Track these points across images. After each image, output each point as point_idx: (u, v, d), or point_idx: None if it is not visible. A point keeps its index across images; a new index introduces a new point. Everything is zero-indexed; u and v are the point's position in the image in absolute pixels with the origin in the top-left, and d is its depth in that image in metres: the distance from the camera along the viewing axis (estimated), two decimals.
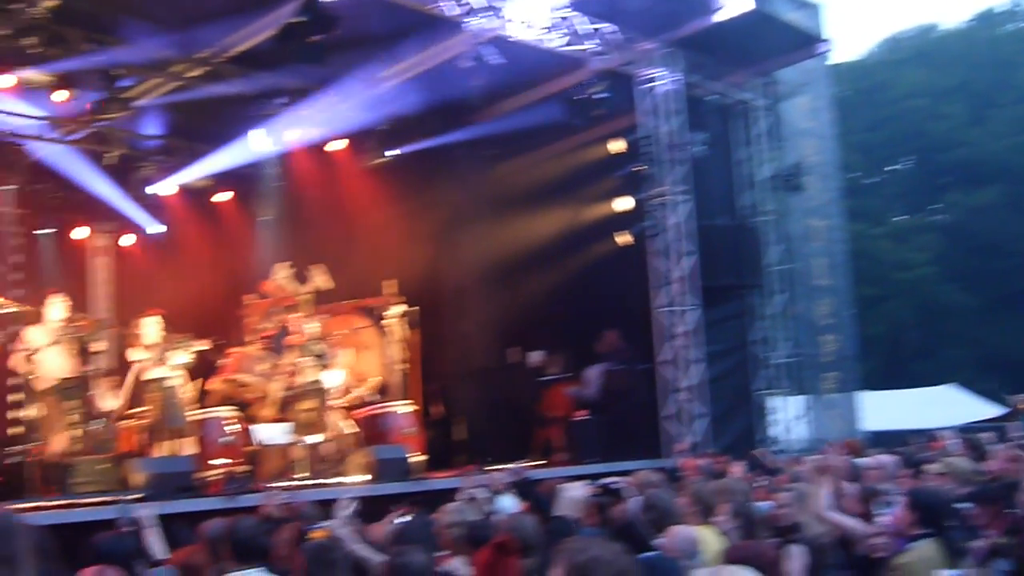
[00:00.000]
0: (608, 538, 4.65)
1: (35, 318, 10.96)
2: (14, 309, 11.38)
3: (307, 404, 12.26)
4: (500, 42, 13.14)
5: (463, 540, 5.90)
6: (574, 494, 6.56)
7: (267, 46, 12.43)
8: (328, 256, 14.49)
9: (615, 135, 15.26)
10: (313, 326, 12.71)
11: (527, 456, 14.39)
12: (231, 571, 5.57)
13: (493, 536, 5.68)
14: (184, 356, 11.80)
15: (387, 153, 14.84)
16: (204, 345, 12.12)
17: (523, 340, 15.69)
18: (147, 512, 6.57)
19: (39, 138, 14.60)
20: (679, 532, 5.55)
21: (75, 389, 11.08)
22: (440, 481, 11.63)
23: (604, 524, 6.71)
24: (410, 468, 11.85)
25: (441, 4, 12.24)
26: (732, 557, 5.21)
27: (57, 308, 11.04)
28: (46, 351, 10.81)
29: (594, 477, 8.71)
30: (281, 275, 13.70)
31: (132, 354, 11.54)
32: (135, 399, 12.29)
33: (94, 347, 11.40)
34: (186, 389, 11.85)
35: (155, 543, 6.34)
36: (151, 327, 11.50)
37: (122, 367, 13.93)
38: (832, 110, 18.77)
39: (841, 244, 18.55)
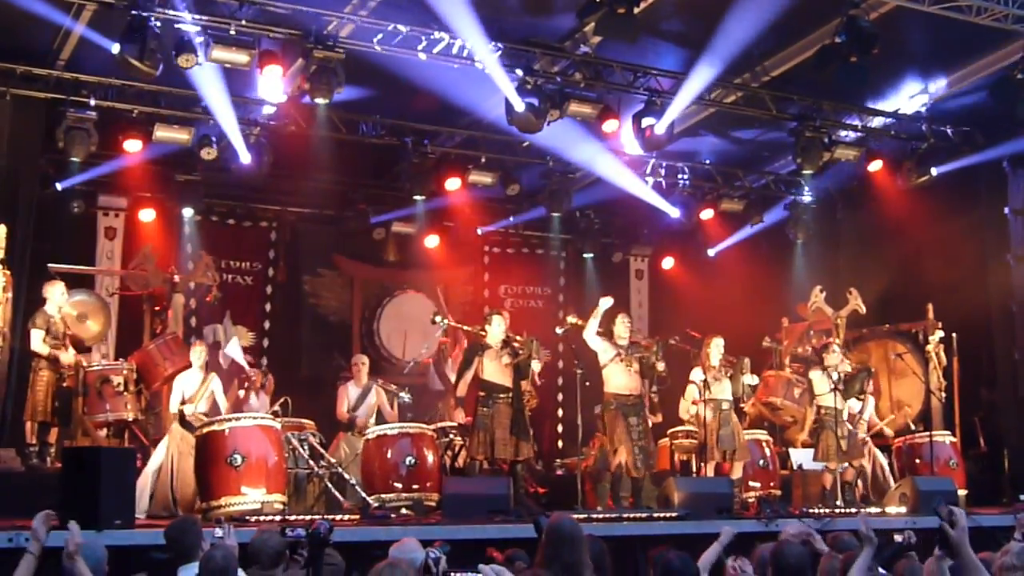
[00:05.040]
0: None
1: (607, 335, 11.50)
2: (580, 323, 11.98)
3: (841, 431, 11.98)
4: None
5: None
6: None
7: (804, 69, 12.49)
8: (865, 279, 14.19)
9: None
10: (834, 351, 12.37)
11: None
12: None
13: None
14: (749, 379, 11.95)
15: (932, 171, 14.21)
16: (755, 379, 12.19)
17: None
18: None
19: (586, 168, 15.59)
20: None
21: (635, 407, 11.49)
22: (987, 518, 10.92)
23: None
24: (957, 502, 11.24)
25: (993, 13, 11.51)
26: None
27: (621, 326, 11.53)
28: (610, 367, 11.35)
29: None
30: (817, 298, 13.61)
31: (693, 374, 11.83)
32: (678, 418, 12.70)
33: (658, 367, 11.70)
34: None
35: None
36: (716, 348, 11.76)
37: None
38: None
39: None
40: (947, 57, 13.11)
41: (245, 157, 13.14)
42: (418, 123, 14.04)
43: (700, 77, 12.38)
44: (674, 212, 15.76)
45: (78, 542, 5.23)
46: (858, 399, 12.50)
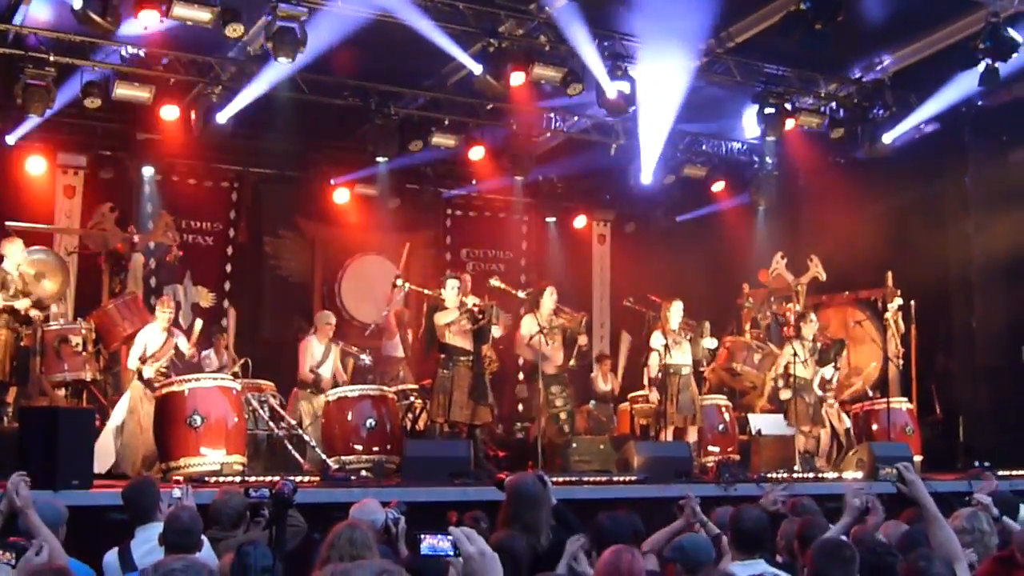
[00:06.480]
0: None
1: (533, 306, 11.62)
2: (520, 294, 12.12)
3: (800, 396, 12.11)
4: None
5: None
6: None
7: (769, 35, 12.49)
8: (825, 246, 14.27)
9: None
10: (812, 321, 12.48)
11: None
12: (734, 559, 5.65)
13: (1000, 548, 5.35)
14: (709, 343, 12.03)
15: (887, 139, 14.31)
16: (714, 342, 12.29)
17: None
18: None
19: (548, 131, 15.55)
20: None
21: (556, 377, 11.64)
22: (942, 484, 11.08)
23: None
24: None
25: None
26: None
27: (549, 300, 11.62)
28: (536, 339, 11.44)
29: None
30: (778, 265, 13.68)
31: (653, 339, 11.87)
32: (639, 381, 12.79)
33: (580, 341, 11.84)
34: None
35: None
36: (676, 311, 11.78)
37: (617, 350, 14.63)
38: None
39: None
40: (910, 26, 13.14)
41: (224, 117, 12.86)
42: (382, 84, 13.92)
43: None
44: (647, 178, 15.60)
45: (25, 495, 5.20)
46: (835, 368, 12.63)
